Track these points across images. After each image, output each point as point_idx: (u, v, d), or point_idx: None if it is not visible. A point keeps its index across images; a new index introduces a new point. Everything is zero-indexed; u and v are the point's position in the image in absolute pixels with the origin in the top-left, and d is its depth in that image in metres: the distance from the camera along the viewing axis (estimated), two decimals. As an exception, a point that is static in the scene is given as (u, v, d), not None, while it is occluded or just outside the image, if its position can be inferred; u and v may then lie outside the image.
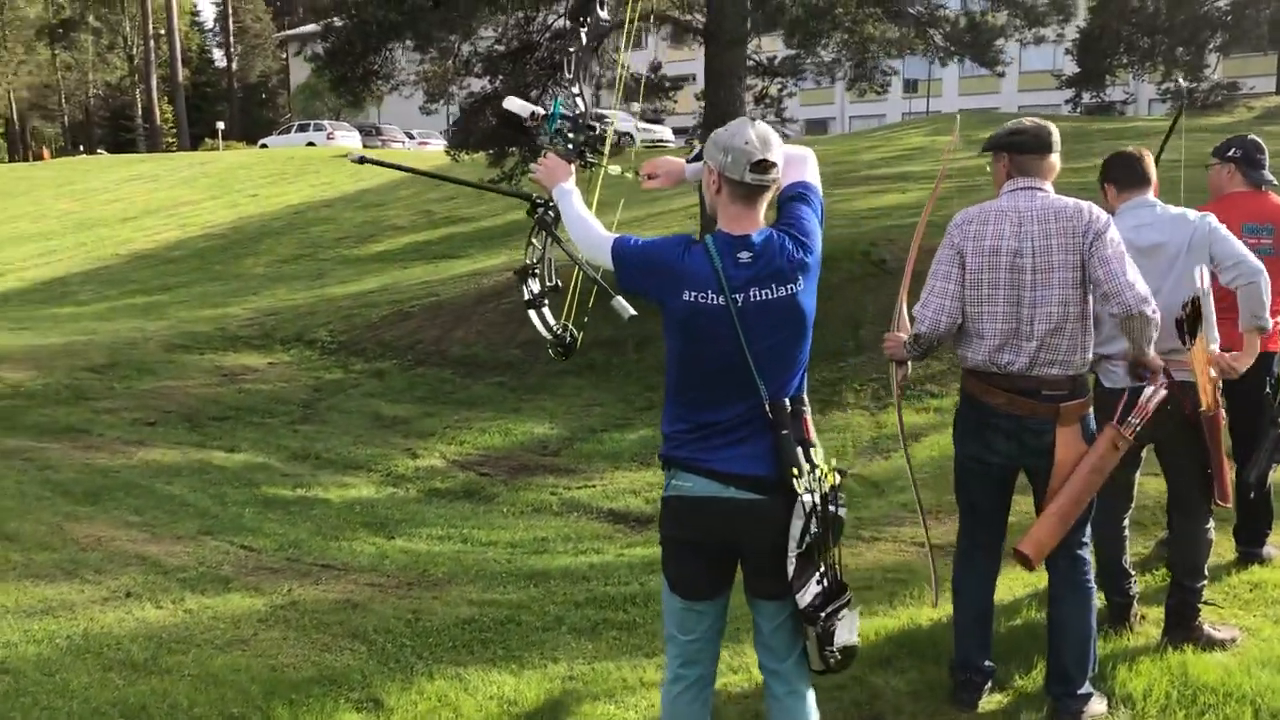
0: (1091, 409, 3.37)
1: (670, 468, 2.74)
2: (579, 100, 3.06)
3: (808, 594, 2.61)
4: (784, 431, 2.57)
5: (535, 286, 3.21)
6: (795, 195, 2.76)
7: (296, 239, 19.74)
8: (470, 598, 4.86)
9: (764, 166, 2.60)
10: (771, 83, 13.05)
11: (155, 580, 5.00)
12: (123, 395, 10.03)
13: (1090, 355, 3.36)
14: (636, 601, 4.72)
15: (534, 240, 3.19)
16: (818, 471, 2.52)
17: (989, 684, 3.54)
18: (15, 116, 62.43)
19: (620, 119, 3.45)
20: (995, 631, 3.72)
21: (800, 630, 2.69)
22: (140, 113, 59.93)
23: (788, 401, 2.61)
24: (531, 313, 3.21)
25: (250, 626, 4.46)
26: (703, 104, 11.85)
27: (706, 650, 2.80)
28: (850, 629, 2.66)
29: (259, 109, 60.88)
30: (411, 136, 41.79)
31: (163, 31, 57.45)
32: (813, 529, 2.55)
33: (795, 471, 2.49)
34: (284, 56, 63.28)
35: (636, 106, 16.75)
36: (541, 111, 3.06)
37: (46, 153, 57.72)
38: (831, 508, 2.61)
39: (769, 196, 2.69)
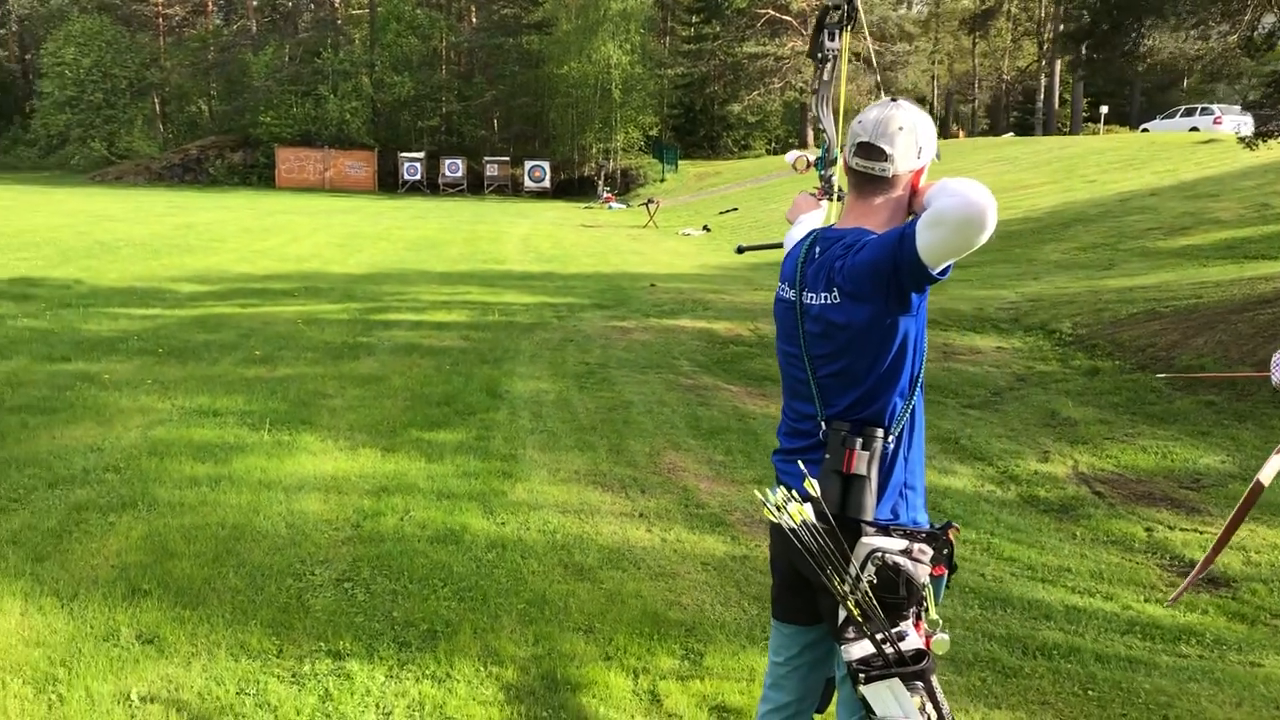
0: None
1: None
2: (824, 134, 3.12)
3: (855, 650, 2.28)
4: (827, 455, 2.27)
5: None
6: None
7: (1106, 227, 18.95)
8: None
9: (868, 151, 2.29)
10: None
11: (670, 509, 5.73)
12: (842, 357, 10.99)
13: None
14: (1077, 656, 4.11)
15: None
16: (792, 505, 2.18)
17: None
18: (935, 99, 68.88)
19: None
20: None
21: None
22: (1042, 96, 61.52)
23: (848, 423, 2.28)
24: None
25: (691, 565, 4.94)
26: None
27: (792, 680, 2.58)
28: (900, 708, 2.24)
29: (1158, 92, 58.23)
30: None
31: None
32: (854, 572, 2.23)
33: (764, 496, 2.22)
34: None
35: None
36: (809, 158, 3.23)
37: (961, 133, 62.92)
38: (899, 560, 2.23)
39: (885, 193, 2.34)
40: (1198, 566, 3.33)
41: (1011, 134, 54.00)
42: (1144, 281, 14.55)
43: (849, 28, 3.39)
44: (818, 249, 2.37)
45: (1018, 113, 68.60)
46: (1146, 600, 4.92)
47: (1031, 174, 27.52)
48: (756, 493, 2.33)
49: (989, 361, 11.11)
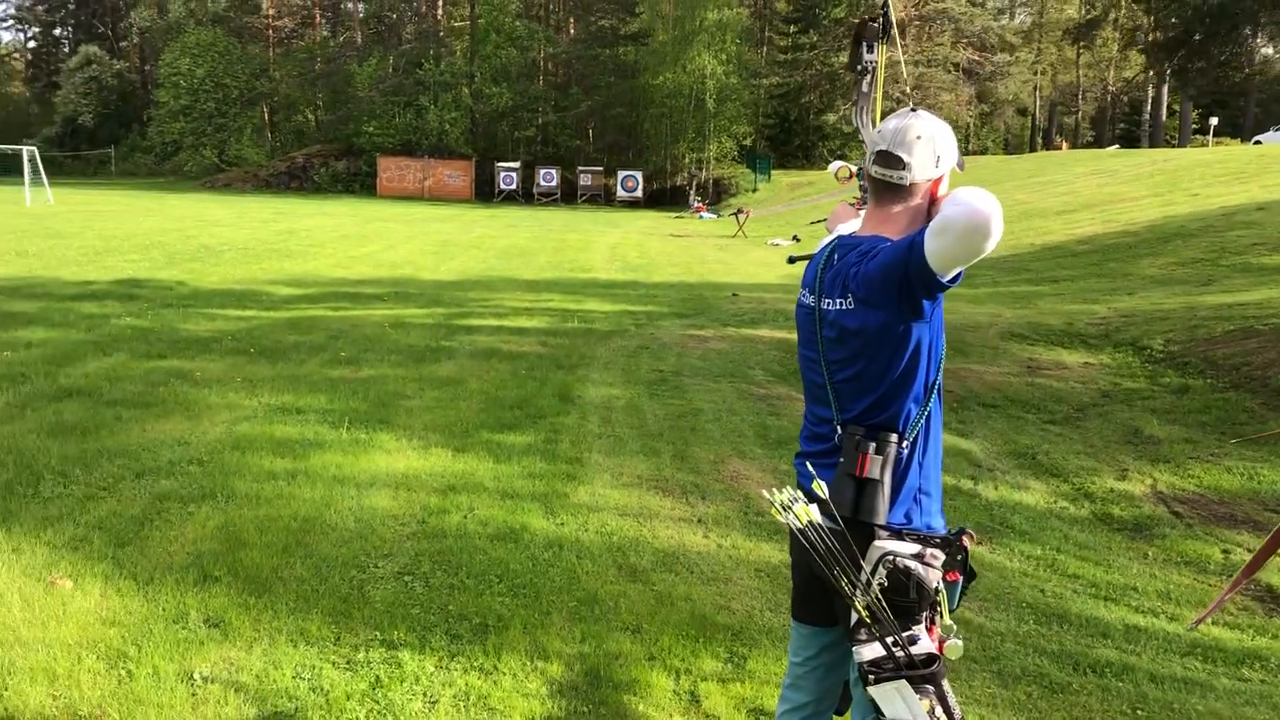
0: None
1: None
2: (865, 145, 3.15)
3: (866, 651, 2.31)
4: (841, 459, 2.30)
5: None
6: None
7: (1206, 242, 18.35)
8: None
9: (886, 160, 2.32)
10: None
11: (729, 515, 5.77)
12: (923, 370, 10.86)
13: None
14: (1130, 675, 4.04)
15: None
16: (798, 505, 2.22)
17: None
18: (1037, 110, 67.48)
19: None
20: None
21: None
22: (1149, 107, 59.80)
23: (862, 428, 2.31)
24: None
25: (744, 571, 4.98)
26: None
27: (810, 680, 2.62)
28: (909, 710, 2.26)
29: (1275, 103, 55.98)
30: None
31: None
32: (867, 578, 2.26)
33: (770, 496, 2.26)
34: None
35: None
36: (852, 168, 3.25)
37: (1064, 145, 61.47)
38: (909, 563, 2.26)
39: (903, 201, 2.36)
40: (1223, 592, 3.24)
41: (1116, 146, 52.64)
42: (1244, 298, 14.06)
43: (884, 39, 3.41)
44: (836, 256, 2.41)
45: (1124, 124, 66.84)
46: (1214, 622, 4.79)
47: (1131, 187, 26.79)
48: (764, 492, 2.38)
49: (1074, 377, 10.87)
